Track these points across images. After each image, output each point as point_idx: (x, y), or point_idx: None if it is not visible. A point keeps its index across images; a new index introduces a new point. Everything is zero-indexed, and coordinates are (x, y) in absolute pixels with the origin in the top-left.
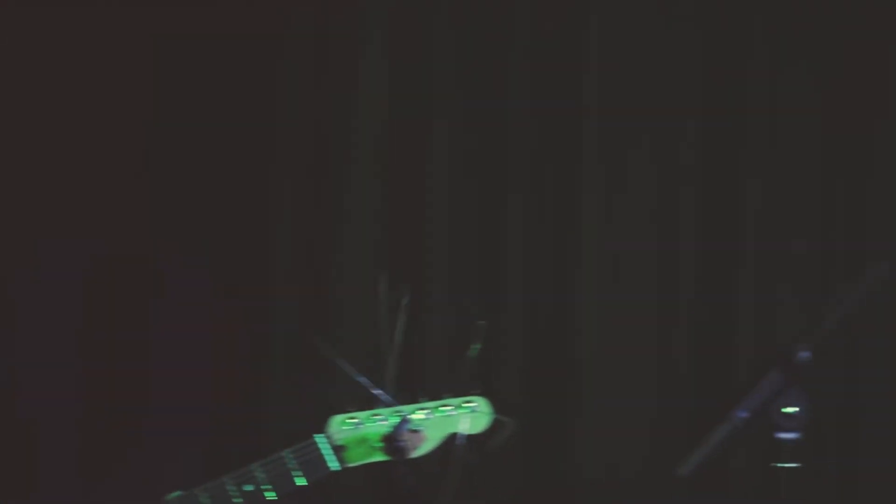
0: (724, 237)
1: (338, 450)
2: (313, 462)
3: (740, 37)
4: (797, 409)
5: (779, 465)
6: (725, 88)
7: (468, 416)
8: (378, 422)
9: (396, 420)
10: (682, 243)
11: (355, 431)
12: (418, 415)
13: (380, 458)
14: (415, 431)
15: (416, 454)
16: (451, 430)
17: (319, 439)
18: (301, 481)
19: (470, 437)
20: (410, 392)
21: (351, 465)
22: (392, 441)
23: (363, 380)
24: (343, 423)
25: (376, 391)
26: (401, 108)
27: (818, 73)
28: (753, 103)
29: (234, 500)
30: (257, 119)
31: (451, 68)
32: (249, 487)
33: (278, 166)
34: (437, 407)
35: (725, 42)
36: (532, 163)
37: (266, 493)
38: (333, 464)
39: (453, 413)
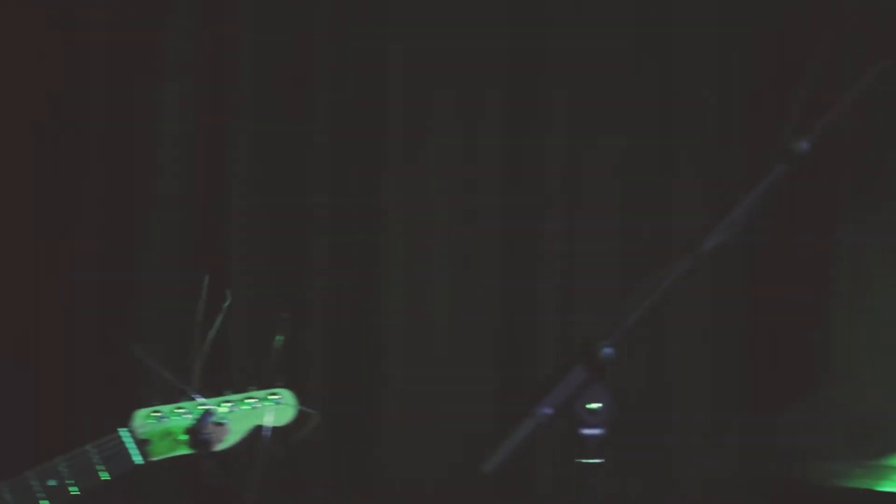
0: (527, 234)
1: (142, 444)
2: (117, 456)
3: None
4: (601, 405)
5: (582, 461)
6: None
7: (273, 408)
8: (182, 415)
9: (200, 413)
10: (486, 239)
11: (159, 425)
12: (222, 408)
13: (184, 451)
14: (219, 424)
15: (220, 447)
16: (256, 423)
17: (123, 433)
18: (105, 476)
19: (275, 430)
20: (215, 385)
21: (155, 458)
22: (196, 434)
23: (167, 373)
24: (147, 416)
25: (181, 384)
26: (204, 103)
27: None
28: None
29: (38, 496)
30: (59, 115)
31: (257, 61)
32: (53, 482)
33: (86, 166)
34: (241, 399)
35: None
36: (335, 156)
37: (70, 488)
38: (137, 458)
39: (258, 406)
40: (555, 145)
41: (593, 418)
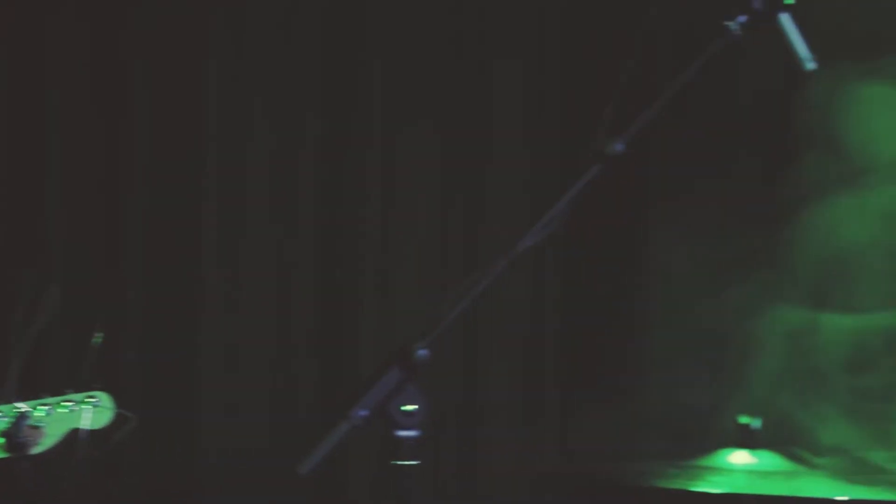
0: (345, 237)
1: None
2: None
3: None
4: (416, 406)
5: (398, 462)
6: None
7: (90, 411)
8: None
9: (16, 416)
10: (304, 240)
11: None
12: (39, 411)
13: (0, 454)
14: (35, 427)
15: (36, 450)
16: (73, 426)
17: None
18: None
19: (92, 433)
20: (31, 387)
21: None
22: (11, 437)
23: None
24: None
25: None
26: (19, 100)
27: None
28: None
29: None
30: None
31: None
32: None
33: None
34: (58, 402)
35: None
36: (153, 154)
37: None
38: None
39: (75, 408)
40: (372, 148)
41: (408, 420)
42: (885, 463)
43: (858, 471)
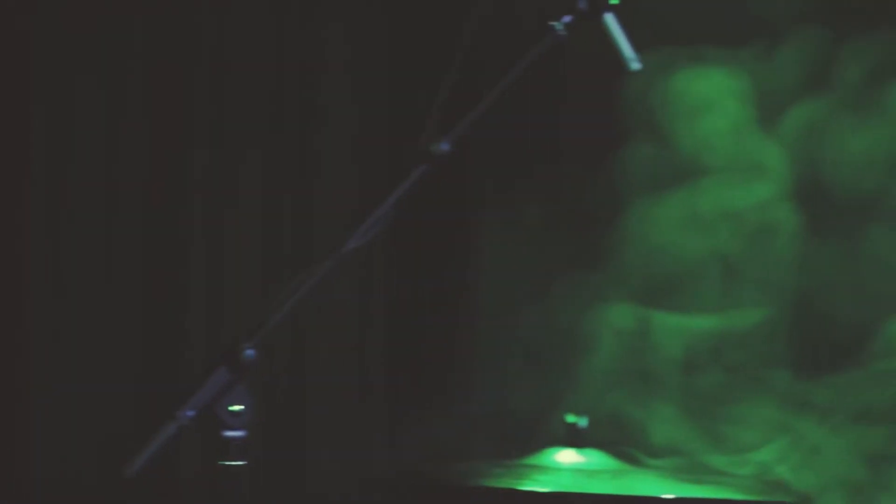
0: (170, 236)
1: None
2: None
3: None
4: (243, 406)
5: (225, 462)
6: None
7: None
8: None
9: None
10: (127, 235)
11: None
12: None
13: None
14: None
15: None
16: None
17: None
18: None
19: None
20: None
21: None
22: None
23: None
24: None
25: None
26: None
27: None
28: None
29: None
30: None
31: None
32: None
33: None
34: None
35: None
36: None
37: None
38: None
39: None
40: (199, 145)
41: (236, 420)
42: (723, 466)
43: (693, 471)
